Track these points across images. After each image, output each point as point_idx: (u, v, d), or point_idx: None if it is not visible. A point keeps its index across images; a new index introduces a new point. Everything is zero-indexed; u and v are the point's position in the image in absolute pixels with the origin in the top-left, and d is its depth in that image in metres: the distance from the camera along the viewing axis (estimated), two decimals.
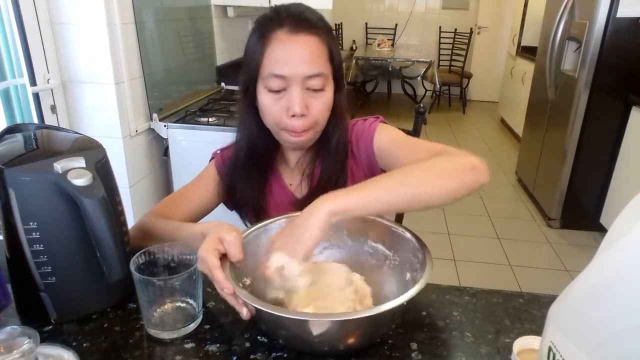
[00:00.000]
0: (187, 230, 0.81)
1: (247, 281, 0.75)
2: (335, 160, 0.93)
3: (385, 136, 0.92)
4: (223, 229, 0.71)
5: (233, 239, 0.69)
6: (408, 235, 0.75)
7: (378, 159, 0.93)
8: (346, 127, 0.95)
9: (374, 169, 0.94)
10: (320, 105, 0.85)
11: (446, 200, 0.71)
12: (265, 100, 0.85)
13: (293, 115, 0.83)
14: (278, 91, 0.83)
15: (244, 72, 0.88)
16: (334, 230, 0.81)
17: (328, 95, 0.86)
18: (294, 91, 0.82)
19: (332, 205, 0.66)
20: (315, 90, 0.84)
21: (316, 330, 0.59)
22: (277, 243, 0.68)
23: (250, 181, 0.95)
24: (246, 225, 1.03)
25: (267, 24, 0.84)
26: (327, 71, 0.85)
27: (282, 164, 0.99)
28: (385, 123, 0.96)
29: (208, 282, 0.78)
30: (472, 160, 0.74)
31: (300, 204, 0.95)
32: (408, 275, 0.72)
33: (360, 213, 0.68)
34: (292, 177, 0.99)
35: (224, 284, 0.64)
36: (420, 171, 0.73)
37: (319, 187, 0.94)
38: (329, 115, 0.89)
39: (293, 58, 0.81)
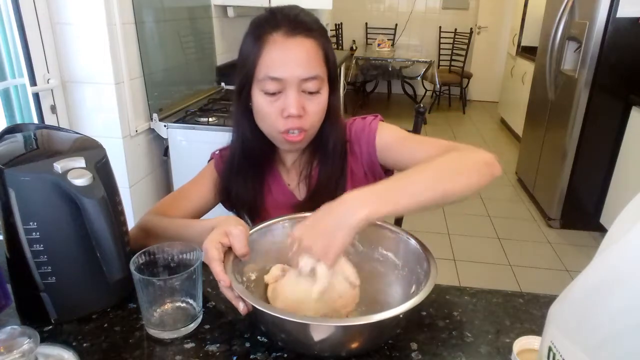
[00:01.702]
0: (198, 225, 0.81)
1: (253, 276, 0.75)
2: (334, 163, 0.93)
3: (388, 133, 0.93)
4: (230, 222, 0.71)
5: (238, 233, 0.69)
6: (415, 244, 0.74)
7: (380, 156, 0.93)
8: (342, 128, 0.95)
9: (374, 166, 0.94)
10: (316, 107, 0.86)
11: (468, 195, 0.72)
12: (260, 102, 0.85)
13: (288, 116, 0.83)
14: (273, 93, 0.83)
15: (239, 74, 0.87)
16: None
17: (323, 97, 0.87)
18: (290, 93, 0.82)
19: (368, 211, 0.63)
20: (310, 93, 0.84)
21: (315, 334, 0.58)
22: (306, 241, 0.65)
23: (247, 183, 0.95)
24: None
25: (263, 26, 0.83)
26: (323, 73, 0.85)
27: (280, 164, 0.99)
28: (383, 121, 0.97)
29: (208, 282, 0.79)
30: (486, 156, 0.77)
31: (300, 207, 0.95)
32: (414, 287, 0.70)
33: (395, 215, 0.67)
34: (289, 177, 0.99)
35: (221, 277, 0.65)
36: (447, 166, 0.74)
37: (318, 189, 0.94)
38: (324, 117, 0.89)
39: (289, 61, 0.81)
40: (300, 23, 0.83)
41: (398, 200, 0.66)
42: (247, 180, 0.95)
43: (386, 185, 0.69)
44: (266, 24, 0.83)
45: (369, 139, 0.93)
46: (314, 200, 0.91)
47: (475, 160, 0.76)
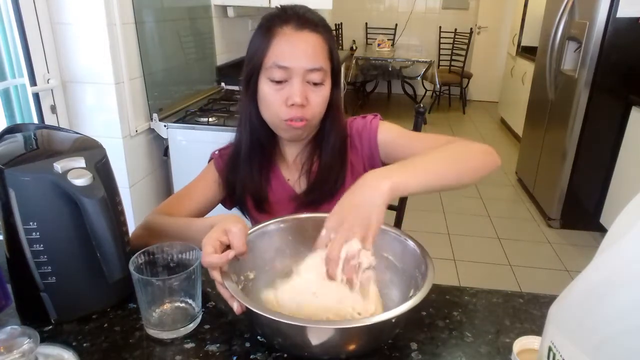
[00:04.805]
0: (198, 224, 0.82)
1: (251, 275, 0.75)
2: (334, 156, 0.96)
3: (389, 130, 0.98)
4: (230, 220, 0.71)
5: (237, 231, 0.68)
6: (413, 245, 0.73)
7: (382, 151, 0.97)
8: (344, 125, 0.99)
9: (374, 161, 0.98)
10: (319, 98, 0.90)
11: (476, 179, 0.79)
12: (266, 89, 0.89)
13: (292, 105, 0.87)
14: (279, 82, 0.87)
15: (248, 64, 0.92)
16: None
17: (326, 89, 0.91)
18: (295, 82, 0.86)
19: (391, 182, 0.66)
20: (315, 84, 0.89)
21: (310, 336, 0.58)
22: (346, 223, 0.64)
23: (253, 171, 0.97)
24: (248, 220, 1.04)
25: (274, 20, 0.89)
26: (327, 67, 0.90)
27: (280, 159, 1.01)
28: (383, 120, 1.00)
29: (207, 282, 0.79)
30: (486, 146, 0.85)
31: (300, 199, 0.97)
32: (412, 291, 0.69)
33: (416, 190, 0.70)
34: (289, 173, 1.01)
35: (214, 274, 0.65)
36: (458, 151, 0.82)
37: (318, 181, 0.96)
38: (326, 112, 0.93)
39: (297, 52, 0.86)
40: (308, 19, 0.89)
41: (416, 174, 0.70)
42: (252, 168, 0.97)
43: (403, 163, 0.73)
44: (277, 18, 0.89)
45: (370, 134, 0.97)
46: (314, 191, 0.96)
47: (479, 149, 0.84)
